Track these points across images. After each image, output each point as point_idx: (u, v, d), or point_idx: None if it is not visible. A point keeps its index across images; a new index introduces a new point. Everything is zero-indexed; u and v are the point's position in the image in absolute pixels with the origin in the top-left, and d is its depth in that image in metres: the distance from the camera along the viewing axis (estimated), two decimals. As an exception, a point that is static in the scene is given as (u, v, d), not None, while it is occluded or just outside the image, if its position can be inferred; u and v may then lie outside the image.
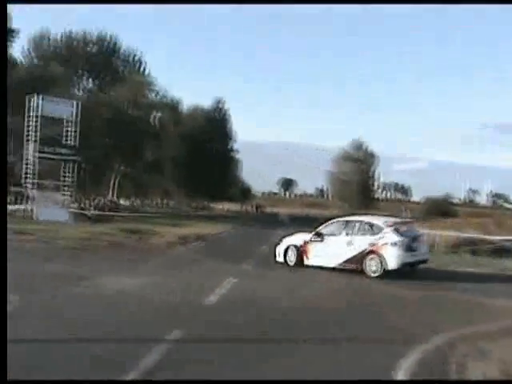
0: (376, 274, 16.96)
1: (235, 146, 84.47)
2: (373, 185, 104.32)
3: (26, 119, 38.91)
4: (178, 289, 13.26)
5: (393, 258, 17.10)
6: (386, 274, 16.78)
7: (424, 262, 18.36)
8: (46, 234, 23.87)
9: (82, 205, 41.45)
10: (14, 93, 41.82)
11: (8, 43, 52.71)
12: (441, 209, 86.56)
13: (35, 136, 38.25)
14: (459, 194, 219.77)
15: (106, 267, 16.19)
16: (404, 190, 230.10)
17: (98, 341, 8.10)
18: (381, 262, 17.12)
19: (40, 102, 38.40)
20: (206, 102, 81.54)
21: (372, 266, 17.24)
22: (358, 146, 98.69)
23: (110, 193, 53.01)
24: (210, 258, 20.94)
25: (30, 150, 38.41)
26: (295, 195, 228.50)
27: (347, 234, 18.25)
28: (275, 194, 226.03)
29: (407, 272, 17.34)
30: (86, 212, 39.26)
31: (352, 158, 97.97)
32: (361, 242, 17.73)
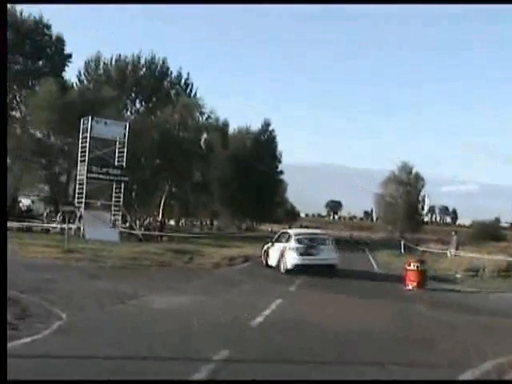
0: (282, 271, 22.80)
1: (282, 168, 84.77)
2: (420, 208, 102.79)
3: (79, 141, 39.88)
4: (226, 309, 13.29)
5: (289, 260, 22.64)
6: (288, 272, 22.33)
7: (330, 265, 22.92)
8: (94, 253, 24.25)
9: (131, 225, 42.02)
10: (68, 115, 43.04)
11: (63, 67, 54.30)
12: (489, 232, 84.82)
13: (87, 156, 39.05)
14: (508, 218, 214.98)
15: (153, 286, 16.33)
16: (452, 213, 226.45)
17: (141, 358, 8.14)
18: (285, 263, 22.84)
19: (92, 123, 39.23)
20: (254, 124, 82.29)
21: (281, 266, 23.13)
22: (406, 169, 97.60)
23: (159, 213, 53.56)
24: (257, 279, 20.96)
25: (82, 171, 39.25)
26: (342, 218, 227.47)
27: (281, 242, 24.27)
28: (322, 216, 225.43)
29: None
30: (134, 232, 39.80)
31: (400, 180, 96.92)
32: (281, 248, 23.60)
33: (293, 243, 22.92)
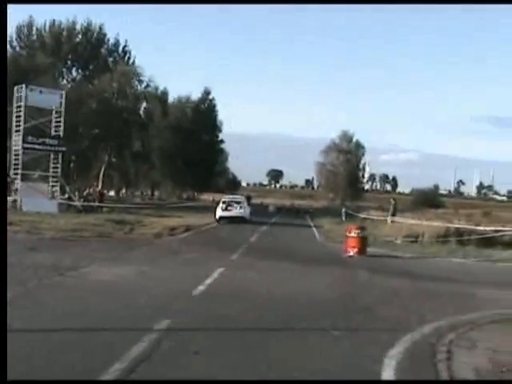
0: (216, 219, 37.24)
1: (223, 137, 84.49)
2: (360, 176, 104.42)
3: (12, 110, 38.48)
4: (167, 279, 13.19)
5: (217, 213, 37.68)
6: (217, 221, 36.90)
7: (241, 217, 37.41)
8: (33, 225, 23.71)
9: (70, 196, 41.18)
10: None
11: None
12: (428, 199, 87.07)
13: (22, 126, 37.82)
14: (448, 186, 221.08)
15: (93, 257, 16.04)
16: (392, 181, 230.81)
17: (82, 330, 8.00)
18: (216, 215, 37.81)
19: (27, 92, 37.96)
20: (195, 93, 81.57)
21: (216, 217, 37.54)
22: (347, 137, 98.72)
23: (99, 184, 52.70)
24: (199, 248, 20.92)
25: (17, 141, 38.01)
26: (284, 186, 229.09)
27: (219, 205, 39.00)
28: (264, 185, 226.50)
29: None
30: (74, 203, 39.04)
31: (340, 148, 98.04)
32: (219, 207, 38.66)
33: (220, 204, 38.75)
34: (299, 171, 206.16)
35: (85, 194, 44.89)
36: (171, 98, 75.46)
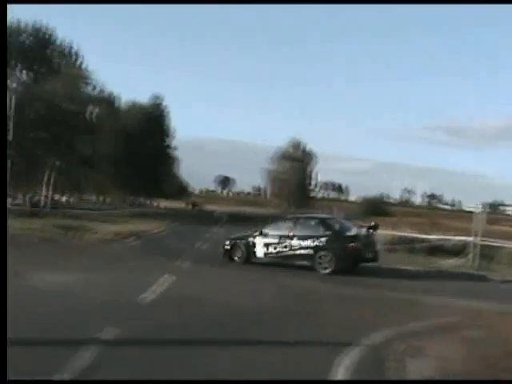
0: None
1: (173, 143, 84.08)
2: (310, 184, 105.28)
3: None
4: (113, 286, 13.02)
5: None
6: None
7: None
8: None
9: (16, 200, 40.28)
10: None
11: None
12: (376, 208, 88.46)
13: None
14: (395, 194, 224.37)
15: (37, 264, 15.73)
16: (341, 190, 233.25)
17: (17, 343, 7.75)
18: None
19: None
20: (144, 99, 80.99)
21: None
22: (296, 145, 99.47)
23: (45, 188, 51.66)
24: (145, 255, 20.74)
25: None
26: (232, 193, 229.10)
27: None
28: (212, 191, 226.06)
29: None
30: (20, 208, 38.24)
31: (290, 156, 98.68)
32: None
33: None
34: (247, 178, 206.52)
35: (31, 198, 44.05)
36: (122, 104, 74.72)
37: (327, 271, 17.31)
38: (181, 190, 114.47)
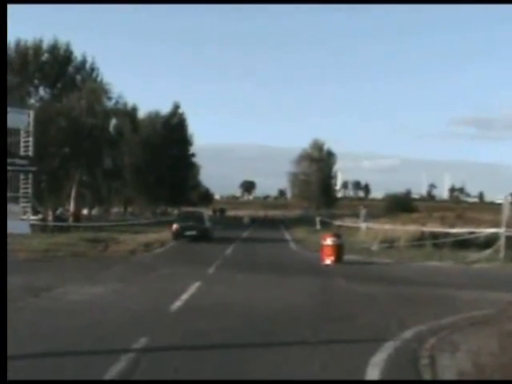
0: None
1: (194, 150, 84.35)
2: (335, 184, 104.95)
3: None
4: (143, 296, 13.09)
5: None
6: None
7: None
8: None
9: (43, 216, 40.73)
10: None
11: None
12: (401, 204, 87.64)
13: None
14: (422, 190, 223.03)
15: (67, 277, 15.89)
16: (364, 188, 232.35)
17: (57, 354, 7.83)
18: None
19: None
20: (165, 107, 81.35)
21: None
22: (318, 145, 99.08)
23: (71, 203, 52.19)
24: (174, 263, 20.83)
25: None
26: (257, 197, 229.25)
27: None
28: (237, 197, 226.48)
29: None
30: (46, 223, 38.64)
31: (312, 157, 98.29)
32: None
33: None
34: (272, 181, 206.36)
35: (58, 213, 44.46)
36: (141, 114, 75.20)
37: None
38: (205, 197, 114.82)
